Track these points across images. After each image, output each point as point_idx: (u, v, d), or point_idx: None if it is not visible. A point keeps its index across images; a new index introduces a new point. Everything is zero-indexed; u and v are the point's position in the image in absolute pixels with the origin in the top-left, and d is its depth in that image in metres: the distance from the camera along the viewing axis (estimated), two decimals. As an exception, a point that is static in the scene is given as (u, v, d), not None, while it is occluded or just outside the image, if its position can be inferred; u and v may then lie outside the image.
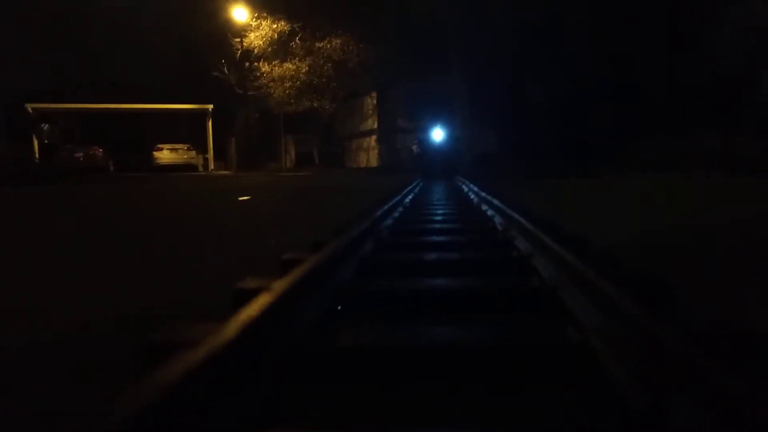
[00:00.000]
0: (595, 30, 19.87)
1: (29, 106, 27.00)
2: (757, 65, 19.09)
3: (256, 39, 25.90)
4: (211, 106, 29.49)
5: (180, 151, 26.52)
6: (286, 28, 25.47)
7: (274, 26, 25.60)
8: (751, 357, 0.87)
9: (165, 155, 26.16)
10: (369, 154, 29.87)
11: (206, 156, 29.86)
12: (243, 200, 8.42)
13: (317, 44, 25.65)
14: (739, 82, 19.07)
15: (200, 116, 30.07)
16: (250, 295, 1.29)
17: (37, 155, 23.72)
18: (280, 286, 1.35)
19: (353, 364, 1.28)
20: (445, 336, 1.36)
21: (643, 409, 0.96)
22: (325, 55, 25.78)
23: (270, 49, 26.04)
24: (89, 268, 3.06)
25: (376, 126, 28.45)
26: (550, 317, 1.70)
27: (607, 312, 1.28)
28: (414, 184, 8.68)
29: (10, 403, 1.28)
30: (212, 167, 29.83)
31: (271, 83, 25.94)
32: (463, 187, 8.55)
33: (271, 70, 25.90)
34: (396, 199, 5.04)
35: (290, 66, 25.78)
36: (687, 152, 17.63)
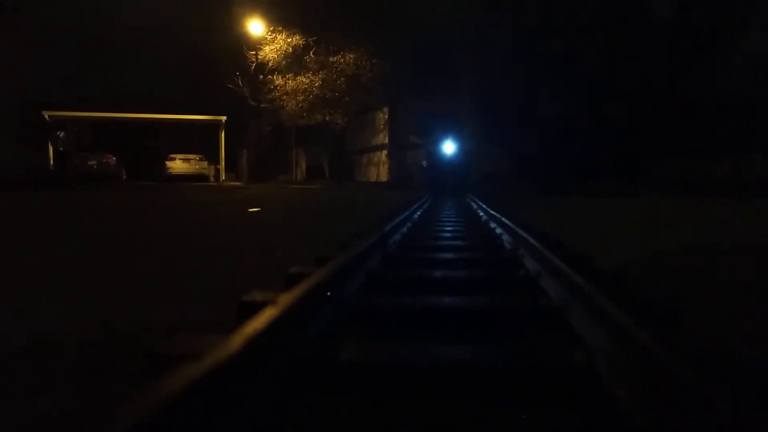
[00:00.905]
0: (606, 50, 19.92)
1: (46, 114, 27.44)
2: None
3: (270, 52, 26.21)
4: (224, 118, 29.80)
5: (192, 161, 26.75)
6: (301, 42, 25.77)
7: (289, 40, 25.91)
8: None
9: (177, 165, 26.40)
10: (379, 168, 29.95)
11: (218, 167, 30.11)
12: (253, 212, 8.47)
13: (331, 59, 25.90)
14: (751, 105, 19.00)
15: (213, 127, 30.39)
16: (255, 309, 1.30)
17: (51, 162, 24.03)
18: (285, 300, 1.36)
19: (355, 378, 1.28)
20: (448, 355, 1.35)
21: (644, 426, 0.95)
22: (339, 69, 26.01)
23: (284, 62, 26.33)
24: (94, 276, 3.08)
25: (387, 141, 28.56)
26: (555, 335, 1.69)
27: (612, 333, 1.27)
28: (423, 200, 8.69)
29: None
30: (223, 178, 30.05)
31: (285, 96, 26.19)
32: (472, 204, 8.54)
33: (285, 83, 26.16)
34: (404, 215, 5.05)
35: (304, 80, 26.03)
36: (699, 174, 17.54)
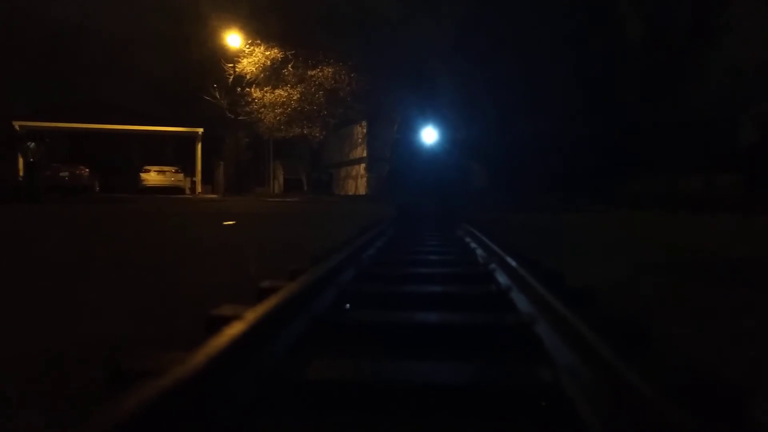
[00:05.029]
0: (580, 69, 20.38)
1: (16, 124, 26.89)
2: (737, 109, 19.68)
3: (248, 65, 26.19)
4: (200, 130, 29.59)
5: (167, 173, 26.46)
6: (279, 55, 25.80)
7: (267, 53, 25.93)
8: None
9: (152, 177, 26.07)
10: (357, 182, 30.01)
11: (194, 179, 29.82)
12: (228, 224, 8.39)
13: (309, 72, 25.96)
14: (721, 124, 19.61)
15: (190, 139, 30.14)
16: (223, 323, 1.29)
17: (21, 173, 23.51)
18: (253, 314, 1.35)
19: (322, 395, 1.27)
20: (416, 371, 1.35)
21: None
22: (317, 83, 26.09)
23: (262, 75, 26.32)
24: (56, 296, 3.01)
25: (365, 154, 28.67)
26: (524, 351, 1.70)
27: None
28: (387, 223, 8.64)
29: None
30: (199, 190, 29.76)
31: (262, 109, 26.14)
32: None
33: (263, 96, 26.13)
34: (380, 228, 5.05)
35: (282, 93, 26.04)
36: (672, 191, 17.99)
